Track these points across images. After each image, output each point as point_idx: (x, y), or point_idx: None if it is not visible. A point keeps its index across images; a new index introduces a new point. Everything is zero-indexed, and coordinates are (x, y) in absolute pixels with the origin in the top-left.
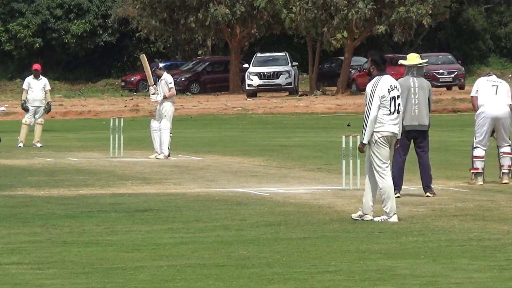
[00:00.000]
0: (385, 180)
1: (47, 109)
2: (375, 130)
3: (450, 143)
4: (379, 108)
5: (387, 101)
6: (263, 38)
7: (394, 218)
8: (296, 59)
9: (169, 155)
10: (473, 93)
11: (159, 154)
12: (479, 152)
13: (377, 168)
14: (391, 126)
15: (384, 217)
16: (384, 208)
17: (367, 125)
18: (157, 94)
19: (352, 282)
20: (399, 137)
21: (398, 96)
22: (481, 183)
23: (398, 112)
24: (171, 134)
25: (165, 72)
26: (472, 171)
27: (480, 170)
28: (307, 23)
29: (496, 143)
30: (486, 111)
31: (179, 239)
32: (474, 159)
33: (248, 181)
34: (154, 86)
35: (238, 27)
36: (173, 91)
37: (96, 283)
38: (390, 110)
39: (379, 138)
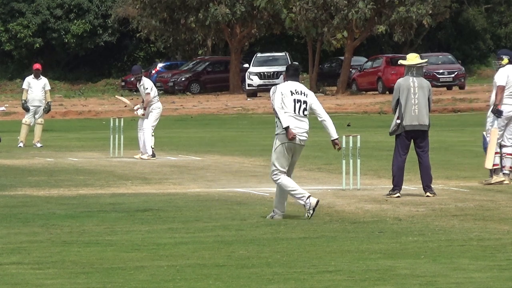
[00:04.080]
0: (278, 181)
1: (47, 109)
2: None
3: (450, 143)
4: (281, 105)
5: (288, 101)
6: (263, 38)
7: (278, 216)
8: (296, 59)
9: (153, 155)
10: (502, 82)
11: (142, 154)
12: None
13: (271, 168)
14: (296, 128)
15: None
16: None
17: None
18: (140, 108)
19: (352, 282)
20: (297, 140)
21: (304, 102)
22: (505, 180)
23: (304, 116)
24: (153, 134)
25: (144, 77)
26: (494, 167)
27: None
28: (307, 23)
29: (500, 141)
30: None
31: (179, 239)
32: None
33: (248, 181)
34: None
35: (238, 27)
36: (148, 97)
37: (96, 283)
38: (294, 110)
39: (279, 142)
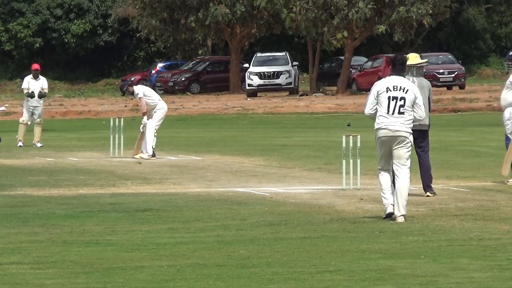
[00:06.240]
0: (379, 177)
1: (42, 94)
2: (375, 129)
3: (450, 143)
4: (373, 104)
5: (383, 99)
6: (263, 38)
7: (400, 219)
8: (296, 59)
9: (153, 155)
10: None
11: (143, 154)
12: None
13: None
14: (386, 126)
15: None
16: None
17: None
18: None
19: (352, 282)
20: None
21: (402, 98)
22: None
23: (400, 113)
24: (155, 134)
25: (134, 86)
26: None
27: None
28: (307, 23)
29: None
30: None
31: (179, 239)
32: None
33: (248, 181)
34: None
35: (238, 27)
36: (142, 101)
37: (96, 283)
38: (388, 110)
39: (376, 139)
